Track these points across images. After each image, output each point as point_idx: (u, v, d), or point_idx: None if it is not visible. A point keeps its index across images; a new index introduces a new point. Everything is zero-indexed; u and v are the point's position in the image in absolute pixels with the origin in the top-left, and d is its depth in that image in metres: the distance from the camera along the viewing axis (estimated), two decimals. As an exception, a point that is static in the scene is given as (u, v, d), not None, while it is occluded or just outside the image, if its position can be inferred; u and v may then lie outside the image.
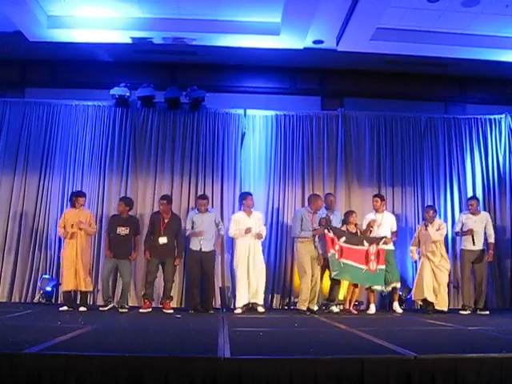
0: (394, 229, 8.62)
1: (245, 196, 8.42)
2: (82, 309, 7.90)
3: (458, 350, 4.21)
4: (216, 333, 5.25)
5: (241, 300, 8.05)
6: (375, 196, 8.81)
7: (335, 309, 8.27)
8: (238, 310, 8.00)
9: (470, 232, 8.47)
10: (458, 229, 8.72)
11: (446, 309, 8.22)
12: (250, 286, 8.07)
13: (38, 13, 7.99)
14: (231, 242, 8.85)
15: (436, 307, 8.21)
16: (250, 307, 8.15)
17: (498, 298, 9.35)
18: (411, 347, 4.10)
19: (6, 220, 9.27)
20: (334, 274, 8.02)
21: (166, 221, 8.23)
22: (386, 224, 8.47)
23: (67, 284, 7.99)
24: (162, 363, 3.62)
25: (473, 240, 8.46)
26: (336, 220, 8.60)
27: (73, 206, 8.28)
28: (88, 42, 8.67)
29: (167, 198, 8.44)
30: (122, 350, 3.95)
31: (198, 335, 5.37)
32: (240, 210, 8.58)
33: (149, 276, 8.20)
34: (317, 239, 8.14)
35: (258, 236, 8.14)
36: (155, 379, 3.52)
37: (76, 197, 8.31)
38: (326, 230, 8.03)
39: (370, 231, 8.36)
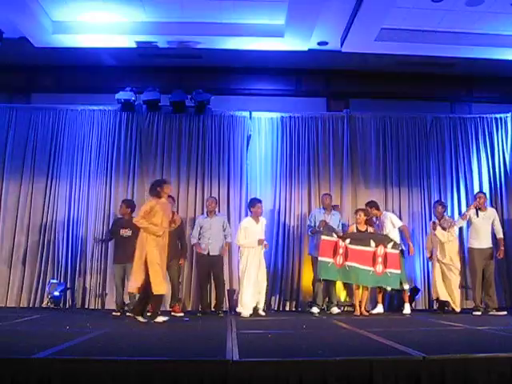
0: (399, 224, 8.49)
1: (253, 203, 8.30)
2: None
3: (468, 350, 4.20)
4: (224, 336, 5.25)
5: (247, 306, 7.97)
6: (366, 204, 8.64)
7: (336, 310, 8.27)
8: (245, 314, 7.97)
9: (469, 208, 8.44)
10: (463, 222, 8.65)
11: (458, 309, 8.18)
12: (254, 292, 8.04)
13: (43, 19, 8.04)
14: (237, 246, 8.88)
15: (448, 307, 8.18)
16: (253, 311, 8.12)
17: (506, 296, 9.28)
18: (420, 348, 4.09)
19: (13, 225, 9.32)
20: (323, 277, 8.11)
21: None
22: (386, 226, 8.40)
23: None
24: (171, 367, 3.62)
25: (477, 212, 8.36)
26: (335, 220, 8.61)
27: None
28: (93, 46, 8.71)
29: (171, 198, 8.49)
30: (130, 354, 3.96)
31: (207, 338, 5.37)
32: (247, 215, 8.61)
33: None
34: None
35: (265, 246, 8.17)
36: (164, 383, 3.52)
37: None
38: (323, 236, 8.03)
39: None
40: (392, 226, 8.40)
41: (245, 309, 7.94)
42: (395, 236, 8.29)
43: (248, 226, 8.16)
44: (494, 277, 8.45)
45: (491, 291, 8.30)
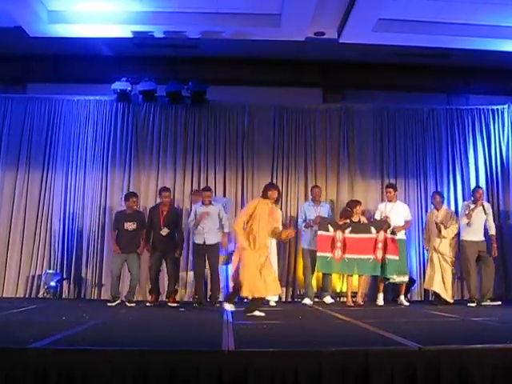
0: (408, 218, 8.56)
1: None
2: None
3: (463, 341, 4.21)
4: (220, 326, 5.25)
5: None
6: (388, 187, 8.75)
7: (329, 299, 8.27)
8: None
9: (475, 207, 8.31)
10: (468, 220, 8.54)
11: (451, 300, 8.20)
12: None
13: (39, 8, 7.96)
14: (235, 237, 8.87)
15: (443, 298, 8.19)
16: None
17: (502, 287, 9.31)
18: (416, 338, 4.10)
19: (9, 215, 9.30)
20: (321, 271, 8.23)
21: (164, 213, 8.25)
22: (397, 214, 8.42)
23: None
24: (167, 357, 3.62)
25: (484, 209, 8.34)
26: (324, 211, 8.62)
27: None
28: (89, 36, 8.62)
29: (169, 190, 8.53)
30: (127, 345, 3.96)
31: (203, 329, 5.38)
32: (243, 207, 8.59)
33: (152, 271, 8.24)
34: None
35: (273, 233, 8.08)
36: (161, 373, 3.53)
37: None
38: (319, 231, 8.02)
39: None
40: (404, 215, 8.48)
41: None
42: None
43: None
44: (493, 268, 8.43)
45: (490, 282, 8.31)
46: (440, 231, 8.22)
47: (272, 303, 8.04)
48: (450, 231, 8.26)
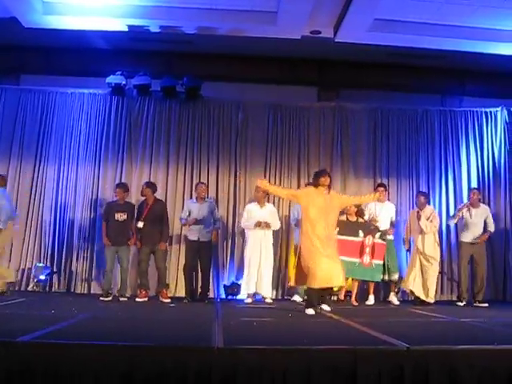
0: (393, 219, 8.63)
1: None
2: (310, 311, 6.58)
3: (451, 341, 4.22)
4: (210, 322, 5.26)
5: (248, 289, 8.10)
6: (379, 186, 8.75)
7: None
8: (249, 300, 8.04)
9: (462, 207, 8.56)
10: (455, 221, 8.74)
11: (432, 301, 8.19)
12: (258, 277, 8.10)
13: (34, -1, 7.92)
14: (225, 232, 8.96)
15: (422, 299, 8.16)
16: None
17: (491, 289, 9.35)
18: (404, 338, 4.11)
19: (0, 207, 9.23)
20: None
21: (148, 206, 8.23)
22: (386, 214, 8.47)
23: None
24: (156, 353, 3.62)
25: (469, 210, 8.46)
26: None
27: None
28: (84, 29, 8.55)
29: (152, 185, 8.46)
30: (115, 340, 3.95)
31: (192, 325, 5.38)
32: (235, 202, 8.67)
33: (141, 265, 8.20)
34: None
35: (266, 225, 8.15)
36: (149, 369, 3.53)
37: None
38: None
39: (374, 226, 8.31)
40: (391, 215, 8.54)
41: (246, 290, 8.09)
42: (386, 225, 8.37)
43: (251, 210, 8.30)
44: (485, 271, 8.55)
45: (484, 286, 8.45)
46: (419, 219, 8.23)
47: (268, 300, 8.08)
48: (429, 225, 8.22)
